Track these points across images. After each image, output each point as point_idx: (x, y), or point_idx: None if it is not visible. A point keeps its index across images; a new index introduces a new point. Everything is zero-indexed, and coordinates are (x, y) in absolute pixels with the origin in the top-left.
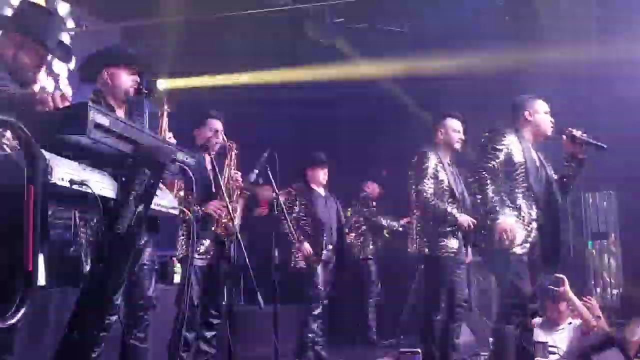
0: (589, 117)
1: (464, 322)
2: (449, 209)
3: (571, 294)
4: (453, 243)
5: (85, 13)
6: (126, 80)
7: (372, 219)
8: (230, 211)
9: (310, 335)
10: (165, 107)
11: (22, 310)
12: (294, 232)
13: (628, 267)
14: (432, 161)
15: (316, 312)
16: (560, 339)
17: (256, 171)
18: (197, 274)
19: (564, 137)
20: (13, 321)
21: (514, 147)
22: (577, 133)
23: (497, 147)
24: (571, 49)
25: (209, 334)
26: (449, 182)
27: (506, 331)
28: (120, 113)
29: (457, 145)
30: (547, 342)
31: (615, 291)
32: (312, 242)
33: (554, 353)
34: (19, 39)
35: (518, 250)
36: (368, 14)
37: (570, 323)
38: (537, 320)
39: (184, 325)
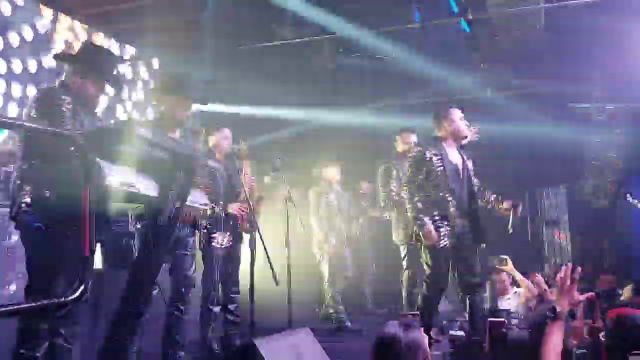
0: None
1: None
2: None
3: (514, 270)
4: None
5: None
6: (178, 108)
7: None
8: (252, 211)
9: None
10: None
11: (82, 288)
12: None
13: (575, 247)
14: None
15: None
16: (508, 304)
17: (271, 174)
18: (218, 259)
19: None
20: (75, 296)
21: (435, 159)
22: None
23: (422, 162)
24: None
25: (232, 306)
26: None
27: (476, 300)
28: (175, 134)
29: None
30: (510, 309)
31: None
32: (334, 234)
33: (516, 318)
34: (84, 72)
35: (442, 244)
36: None
37: (516, 292)
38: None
39: (211, 301)
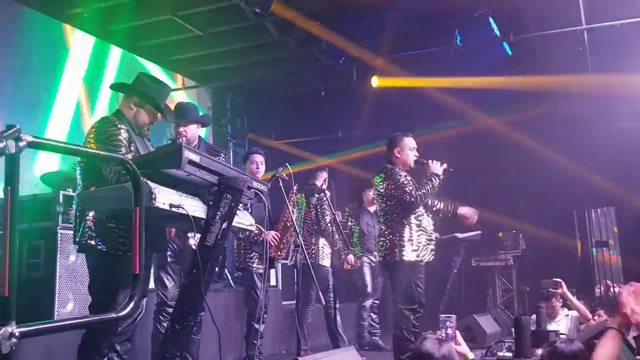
0: (591, 146)
1: (489, 315)
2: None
3: (568, 293)
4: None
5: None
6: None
7: None
8: (286, 240)
9: (364, 324)
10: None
11: (131, 305)
12: (346, 242)
13: (626, 269)
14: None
15: (367, 304)
16: (558, 327)
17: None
18: (260, 278)
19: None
20: (124, 313)
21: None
22: (429, 161)
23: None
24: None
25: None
26: None
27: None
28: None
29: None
30: (558, 330)
31: (616, 288)
32: (360, 250)
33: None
34: (139, 102)
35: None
36: None
37: (567, 315)
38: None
39: (257, 319)
